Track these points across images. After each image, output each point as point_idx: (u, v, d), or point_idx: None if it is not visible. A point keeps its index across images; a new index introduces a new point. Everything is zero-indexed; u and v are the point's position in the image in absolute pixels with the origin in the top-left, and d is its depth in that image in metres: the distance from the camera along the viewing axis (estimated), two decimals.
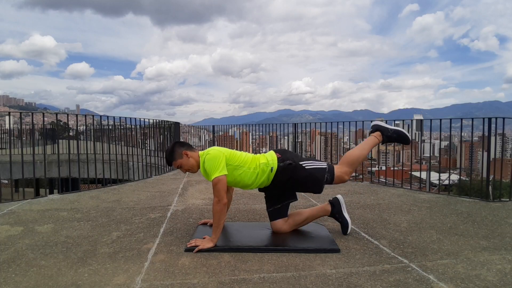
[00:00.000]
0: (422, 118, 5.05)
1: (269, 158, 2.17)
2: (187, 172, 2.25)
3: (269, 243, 2.12)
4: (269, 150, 2.44)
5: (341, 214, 2.30)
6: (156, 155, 6.10)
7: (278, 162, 2.14)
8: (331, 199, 2.35)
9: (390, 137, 2.33)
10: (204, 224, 2.46)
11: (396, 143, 2.40)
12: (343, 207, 2.31)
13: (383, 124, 2.35)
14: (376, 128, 2.36)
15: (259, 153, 2.52)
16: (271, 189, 2.25)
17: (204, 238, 2.08)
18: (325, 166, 2.19)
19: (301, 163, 2.16)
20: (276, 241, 2.15)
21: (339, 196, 2.35)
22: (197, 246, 2.00)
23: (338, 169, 2.21)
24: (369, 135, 2.39)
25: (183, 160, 2.17)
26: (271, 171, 2.14)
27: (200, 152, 2.25)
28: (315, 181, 2.16)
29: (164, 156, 2.25)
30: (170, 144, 2.30)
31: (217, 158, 2.06)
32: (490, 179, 3.75)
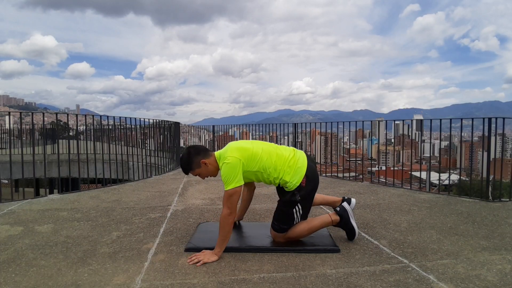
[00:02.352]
0: (422, 118, 5.05)
1: (294, 181, 2.00)
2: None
3: (269, 243, 2.11)
4: None
5: (349, 224, 2.16)
6: (156, 155, 6.09)
7: (296, 188, 2.01)
8: (337, 208, 2.21)
9: (342, 227, 2.19)
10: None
11: (342, 225, 2.20)
12: (350, 217, 2.17)
13: (350, 214, 2.17)
14: (340, 214, 2.16)
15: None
16: (277, 192, 2.20)
17: (203, 252, 1.92)
18: (294, 224, 2.08)
19: (300, 204, 2.04)
20: (276, 242, 2.14)
21: (345, 205, 2.21)
22: (199, 260, 1.85)
23: (290, 231, 2.08)
24: (334, 209, 2.25)
25: (201, 170, 2.05)
26: (286, 188, 2.05)
27: (216, 153, 2.09)
28: (286, 219, 2.05)
29: (180, 165, 2.12)
30: (184, 151, 2.15)
31: (234, 168, 1.91)
32: (490, 179, 3.74)
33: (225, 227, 1.91)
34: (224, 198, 1.93)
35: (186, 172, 2.12)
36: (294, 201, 2.02)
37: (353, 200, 2.39)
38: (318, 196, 2.36)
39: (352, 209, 2.24)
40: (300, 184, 2.01)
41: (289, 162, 2.04)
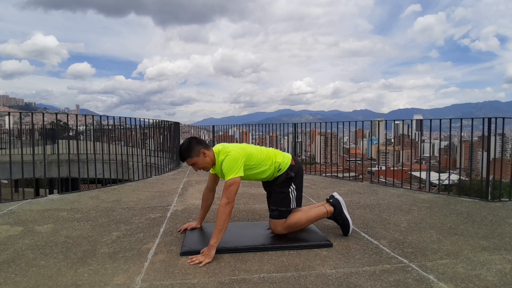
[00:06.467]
0: (422, 118, 5.05)
1: (285, 160, 2.24)
2: (192, 170, 2.22)
3: (266, 242, 2.13)
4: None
5: (342, 215, 2.28)
6: (156, 155, 6.10)
7: (288, 168, 2.22)
8: (330, 199, 2.32)
9: (336, 219, 2.29)
10: (185, 229, 2.36)
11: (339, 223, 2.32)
12: (343, 207, 2.29)
13: (343, 204, 2.30)
14: (333, 204, 2.29)
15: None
16: (269, 186, 2.30)
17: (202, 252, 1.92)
18: (292, 208, 2.19)
19: (294, 184, 2.22)
20: (273, 241, 2.16)
21: (337, 196, 2.33)
22: (201, 262, 1.83)
23: (289, 218, 2.18)
24: (327, 202, 2.35)
25: (199, 159, 2.09)
26: (278, 171, 2.21)
27: (214, 148, 2.17)
28: (283, 200, 2.19)
29: (179, 151, 2.14)
30: (186, 140, 2.18)
31: (237, 160, 2.02)
32: (490, 179, 3.75)
33: (222, 216, 1.93)
34: (224, 188, 1.99)
35: (183, 158, 2.10)
36: (289, 178, 2.21)
37: (336, 194, 2.40)
38: (304, 208, 2.37)
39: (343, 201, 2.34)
40: (291, 163, 2.25)
41: (276, 151, 2.31)
